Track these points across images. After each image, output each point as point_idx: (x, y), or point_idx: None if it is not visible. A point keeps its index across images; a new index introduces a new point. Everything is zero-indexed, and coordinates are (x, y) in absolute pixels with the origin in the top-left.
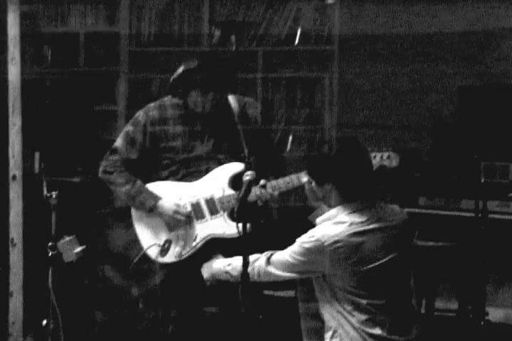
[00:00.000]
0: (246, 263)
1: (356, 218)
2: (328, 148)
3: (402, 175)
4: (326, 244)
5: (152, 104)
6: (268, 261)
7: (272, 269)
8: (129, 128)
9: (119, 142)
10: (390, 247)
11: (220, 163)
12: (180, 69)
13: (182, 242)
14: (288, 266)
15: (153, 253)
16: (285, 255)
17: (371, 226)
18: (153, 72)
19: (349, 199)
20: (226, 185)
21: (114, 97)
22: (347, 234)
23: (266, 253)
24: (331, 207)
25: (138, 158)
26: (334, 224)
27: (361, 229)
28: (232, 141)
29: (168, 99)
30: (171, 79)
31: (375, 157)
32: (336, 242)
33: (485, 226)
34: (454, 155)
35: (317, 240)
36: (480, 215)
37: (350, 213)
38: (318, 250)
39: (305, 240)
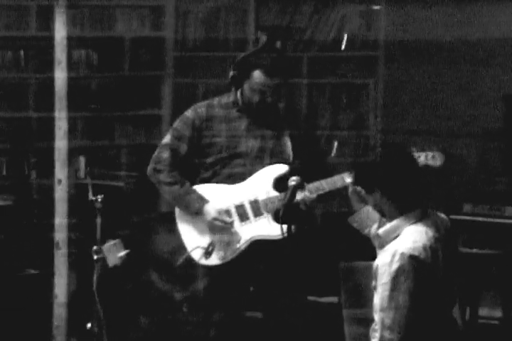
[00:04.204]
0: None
1: (424, 227)
2: (375, 155)
3: (447, 182)
4: (413, 254)
5: (201, 103)
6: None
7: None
8: (177, 124)
9: (167, 138)
10: (445, 255)
11: (264, 166)
12: (243, 54)
13: (226, 245)
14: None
15: (197, 255)
16: (383, 298)
17: (436, 235)
18: (198, 77)
19: (406, 209)
20: (270, 186)
21: (159, 102)
22: (429, 243)
23: None
24: (384, 216)
25: (185, 155)
26: (410, 235)
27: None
28: (277, 144)
29: (217, 99)
30: (235, 61)
31: (419, 157)
32: (421, 252)
33: None
34: (499, 162)
35: (402, 254)
36: None
37: (415, 223)
38: (408, 264)
39: (388, 260)
